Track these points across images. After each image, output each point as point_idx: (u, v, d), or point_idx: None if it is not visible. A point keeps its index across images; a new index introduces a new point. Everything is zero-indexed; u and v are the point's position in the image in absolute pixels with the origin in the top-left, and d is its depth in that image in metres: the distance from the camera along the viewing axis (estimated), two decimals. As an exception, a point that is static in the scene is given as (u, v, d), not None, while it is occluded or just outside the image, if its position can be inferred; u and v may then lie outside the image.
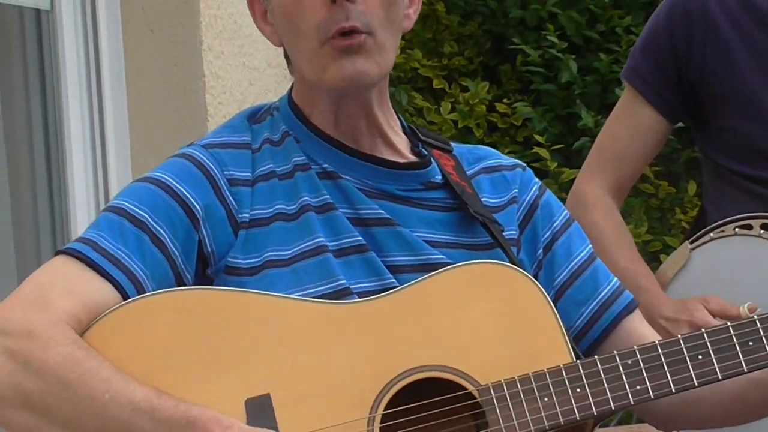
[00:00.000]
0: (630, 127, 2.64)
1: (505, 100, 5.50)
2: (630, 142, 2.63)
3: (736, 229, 2.45)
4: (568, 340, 1.74)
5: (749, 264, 2.43)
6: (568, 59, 5.37)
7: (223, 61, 4.16)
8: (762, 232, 2.44)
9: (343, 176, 1.80)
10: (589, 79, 5.45)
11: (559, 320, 1.75)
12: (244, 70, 4.25)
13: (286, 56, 1.88)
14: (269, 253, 1.74)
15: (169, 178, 1.74)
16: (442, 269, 1.75)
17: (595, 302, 1.91)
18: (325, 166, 1.81)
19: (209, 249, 1.73)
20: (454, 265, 1.76)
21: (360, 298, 1.73)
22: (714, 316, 2.36)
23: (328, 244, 1.76)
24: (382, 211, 1.80)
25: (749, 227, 2.45)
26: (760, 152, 2.52)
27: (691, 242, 2.52)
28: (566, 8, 5.59)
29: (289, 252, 1.75)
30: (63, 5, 4.03)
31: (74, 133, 4.03)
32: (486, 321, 1.73)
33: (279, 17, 1.80)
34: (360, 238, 1.77)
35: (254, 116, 1.88)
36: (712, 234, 2.49)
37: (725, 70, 2.54)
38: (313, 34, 1.75)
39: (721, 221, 2.49)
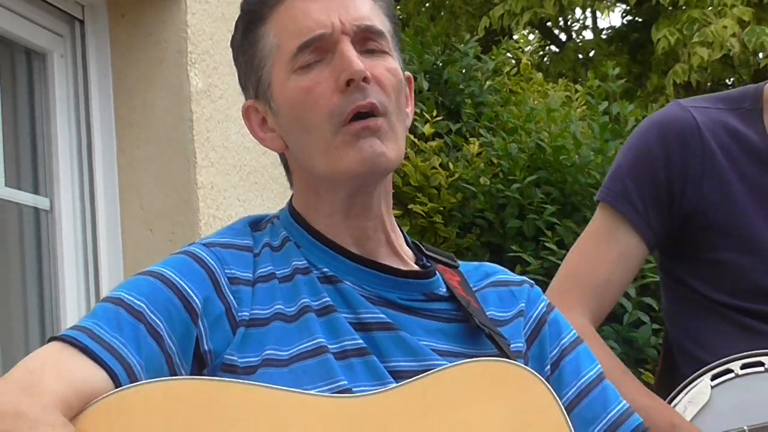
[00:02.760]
0: (613, 255, 2.46)
1: (505, 309, 5.47)
2: (614, 270, 2.46)
3: (751, 368, 2.30)
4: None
5: None
6: (567, 265, 5.37)
7: (222, 260, 4.15)
8: None
9: (343, 281, 1.76)
10: (589, 285, 5.42)
11: (569, 421, 1.67)
12: (243, 270, 4.25)
13: (285, 165, 1.86)
14: (267, 352, 1.68)
15: (168, 272, 1.70)
16: (447, 365, 1.68)
17: (604, 421, 1.85)
18: (326, 270, 1.77)
19: (206, 347, 1.68)
20: (460, 362, 1.69)
21: None
22: None
23: (328, 345, 1.70)
24: (384, 316, 1.75)
25: (761, 364, 2.29)
26: (762, 289, 2.39)
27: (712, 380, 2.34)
28: (563, 218, 5.63)
29: (288, 352, 1.69)
30: (62, 205, 4.07)
31: (70, 332, 3.99)
32: (492, 421, 1.64)
33: (285, 113, 1.78)
34: (361, 341, 1.72)
35: (256, 224, 1.85)
36: (737, 370, 2.31)
37: (724, 204, 2.42)
38: (325, 122, 1.73)
39: (728, 358, 2.32)
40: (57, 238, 4.05)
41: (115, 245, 4.18)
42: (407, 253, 1.86)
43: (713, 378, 2.33)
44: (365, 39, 1.76)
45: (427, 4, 14.50)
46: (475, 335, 1.80)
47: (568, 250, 5.48)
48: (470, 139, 6.09)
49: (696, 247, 2.47)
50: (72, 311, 4.03)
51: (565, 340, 1.88)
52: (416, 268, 1.84)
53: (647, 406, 2.26)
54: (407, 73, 1.86)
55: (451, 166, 5.89)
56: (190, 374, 1.67)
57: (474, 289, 1.87)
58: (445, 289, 1.82)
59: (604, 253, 2.48)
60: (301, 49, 1.75)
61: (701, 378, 2.34)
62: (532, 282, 1.94)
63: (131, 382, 1.59)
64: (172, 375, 1.65)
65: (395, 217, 1.86)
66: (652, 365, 5.09)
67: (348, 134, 1.72)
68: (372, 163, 1.73)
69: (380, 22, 1.79)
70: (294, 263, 1.77)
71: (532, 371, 1.68)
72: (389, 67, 1.77)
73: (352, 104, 1.72)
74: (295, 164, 1.83)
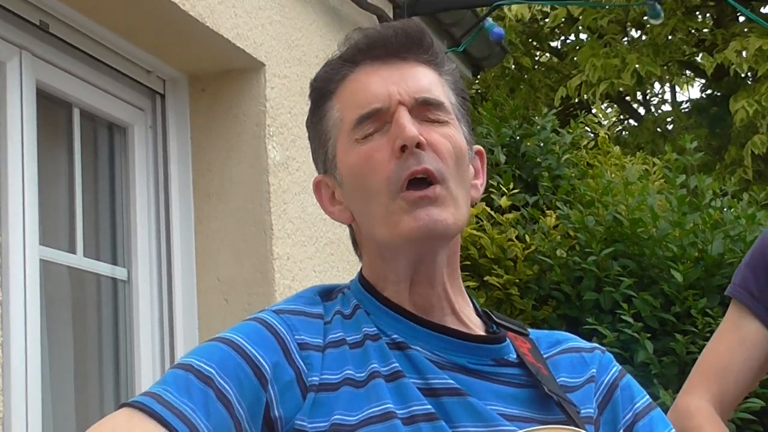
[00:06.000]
0: (734, 341, 2.58)
1: (581, 383, 5.44)
2: (732, 355, 2.57)
3: None
4: None
5: None
6: (644, 338, 5.33)
7: (297, 331, 4.17)
8: None
9: (412, 347, 1.77)
10: (666, 360, 5.38)
11: None
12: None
13: (353, 238, 1.89)
14: (336, 417, 1.68)
15: (239, 338, 1.71)
16: (515, 431, 1.67)
17: None
18: (395, 336, 1.78)
19: (276, 413, 1.68)
20: (528, 428, 1.67)
21: None
22: None
23: (396, 411, 1.70)
24: (453, 382, 1.75)
25: None
26: None
27: None
28: (640, 291, 5.60)
29: (356, 418, 1.69)
30: (140, 276, 4.13)
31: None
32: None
33: (348, 182, 1.81)
34: (429, 406, 1.72)
35: (327, 294, 1.87)
36: None
37: None
38: (384, 188, 1.75)
39: None
40: (134, 308, 4.11)
41: (191, 315, 4.23)
42: (474, 321, 1.86)
43: None
44: (423, 110, 1.79)
45: (506, 78, 14.58)
46: (545, 401, 1.80)
47: (644, 323, 5.50)
48: (547, 211, 6.09)
49: None
50: (147, 380, 4.07)
51: (638, 404, 1.87)
52: (484, 334, 1.85)
53: None
54: (477, 146, 1.88)
55: (527, 238, 5.89)
56: None
57: (545, 356, 1.87)
58: (515, 356, 1.83)
59: (725, 340, 2.61)
60: (360, 121, 1.78)
61: None
62: (604, 348, 1.93)
63: None
64: None
65: (471, 288, 1.87)
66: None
67: (405, 201, 1.74)
68: (427, 229, 1.74)
69: (442, 93, 1.82)
70: (364, 330, 1.79)
71: None
72: (444, 133, 1.78)
73: (407, 170, 1.74)
74: (361, 235, 1.86)
